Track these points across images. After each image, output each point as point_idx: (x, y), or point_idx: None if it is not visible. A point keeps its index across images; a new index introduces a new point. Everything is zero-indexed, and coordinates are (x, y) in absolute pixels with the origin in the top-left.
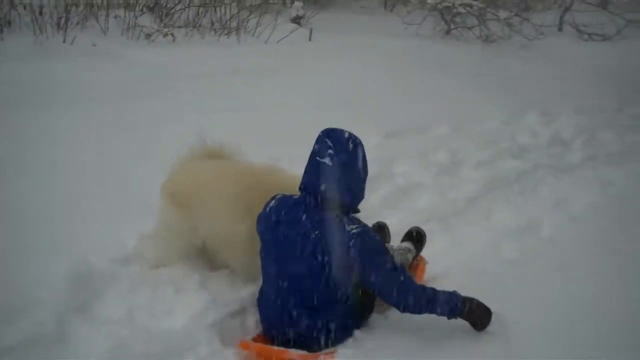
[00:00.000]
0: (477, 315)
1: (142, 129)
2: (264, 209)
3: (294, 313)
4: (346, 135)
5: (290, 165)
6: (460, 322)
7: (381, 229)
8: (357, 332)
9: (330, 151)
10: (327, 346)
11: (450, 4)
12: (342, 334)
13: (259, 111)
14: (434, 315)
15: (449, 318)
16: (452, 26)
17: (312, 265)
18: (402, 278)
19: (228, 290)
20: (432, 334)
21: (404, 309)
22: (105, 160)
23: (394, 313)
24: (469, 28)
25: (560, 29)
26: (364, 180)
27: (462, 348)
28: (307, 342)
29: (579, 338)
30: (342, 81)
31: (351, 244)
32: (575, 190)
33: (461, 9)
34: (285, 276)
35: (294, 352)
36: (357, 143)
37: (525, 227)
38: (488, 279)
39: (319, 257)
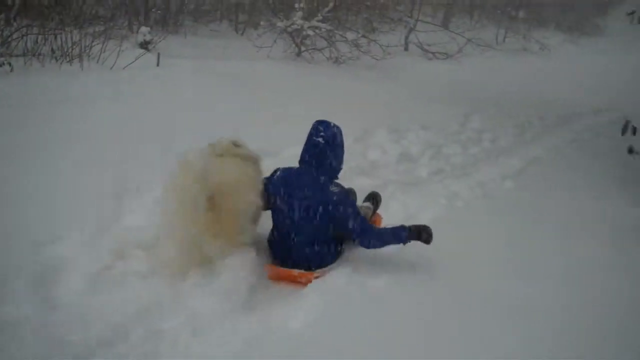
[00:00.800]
0: (421, 230)
1: None
2: (272, 176)
3: (297, 245)
4: (331, 124)
5: None
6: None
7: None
8: (337, 259)
9: (322, 133)
10: (318, 268)
11: (299, 27)
12: (328, 260)
13: (81, 143)
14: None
15: (404, 244)
16: (303, 48)
17: (309, 214)
18: (365, 224)
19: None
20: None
21: (367, 246)
22: None
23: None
24: (319, 50)
25: (406, 49)
26: (342, 156)
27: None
28: (305, 265)
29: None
30: (189, 107)
31: (334, 199)
32: (423, 204)
33: (310, 32)
34: (292, 221)
35: (296, 271)
36: (339, 129)
37: None
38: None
39: (315, 208)
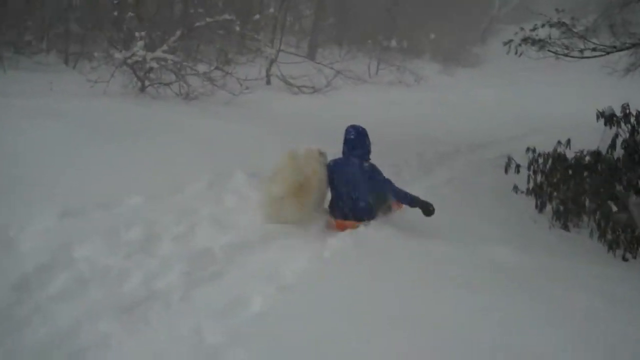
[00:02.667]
0: (425, 205)
1: None
2: (329, 163)
3: (351, 204)
4: (357, 125)
5: None
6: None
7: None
8: (377, 217)
9: (353, 132)
10: (366, 220)
11: (140, 59)
12: (373, 214)
13: None
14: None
15: (412, 206)
16: (147, 83)
17: (357, 181)
18: (393, 185)
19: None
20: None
21: (397, 199)
22: None
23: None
24: (167, 84)
25: (268, 82)
26: (369, 145)
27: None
28: (357, 217)
29: None
30: (4, 155)
31: (367, 169)
32: (287, 257)
33: (154, 64)
34: (348, 187)
35: (350, 222)
36: (362, 128)
37: (232, 305)
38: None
39: (360, 177)
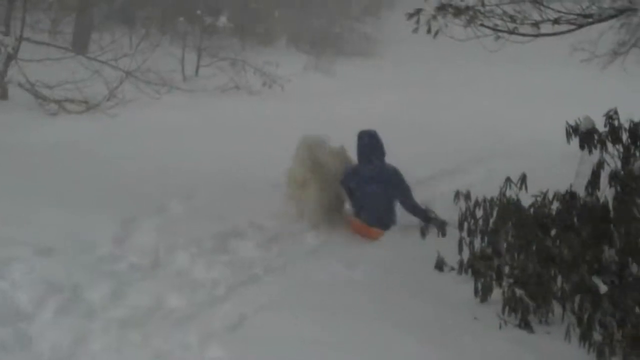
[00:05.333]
0: (441, 224)
1: None
2: (348, 170)
3: (374, 208)
4: (368, 130)
5: None
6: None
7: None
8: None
9: (366, 137)
10: (386, 227)
11: None
12: (393, 220)
13: None
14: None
15: (426, 222)
16: None
17: (377, 186)
18: (411, 193)
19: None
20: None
21: (411, 211)
22: None
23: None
24: None
25: (3, 97)
26: (383, 147)
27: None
28: (380, 225)
29: None
30: None
31: (391, 172)
32: None
33: None
34: (369, 192)
35: (375, 231)
36: (374, 131)
37: None
38: None
39: (379, 177)
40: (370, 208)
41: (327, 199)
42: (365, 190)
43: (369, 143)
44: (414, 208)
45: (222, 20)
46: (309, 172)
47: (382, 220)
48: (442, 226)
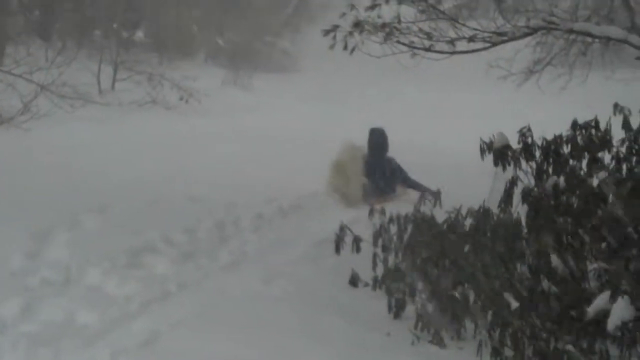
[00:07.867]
0: (434, 193)
1: None
2: (364, 159)
3: (381, 187)
4: (377, 127)
5: None
6: None
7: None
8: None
9: (376, 133)
10: (389, 195)
11: None
12: (393, 192)
13: None
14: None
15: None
16: None
17: (385, 171)
18: (408, 174)
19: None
20: None
21: (411, 186)
22: None
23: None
24: None
25: None
26: (387, 140)
27: None
28: (385, 194)
29: None
30: None
31: (393, 164)
32: None
33: None
34: (378, 175)
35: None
36: (384, 129)
37: None
38: None
39: (387, 167)
40: (383, 185)
41: (360, 185)
42: (375, 176)
43: (376, 138)
44: (413, 183)
45: (139, 34)
46: (349, 167)
47: (387, 190)
48: (437, 195)
